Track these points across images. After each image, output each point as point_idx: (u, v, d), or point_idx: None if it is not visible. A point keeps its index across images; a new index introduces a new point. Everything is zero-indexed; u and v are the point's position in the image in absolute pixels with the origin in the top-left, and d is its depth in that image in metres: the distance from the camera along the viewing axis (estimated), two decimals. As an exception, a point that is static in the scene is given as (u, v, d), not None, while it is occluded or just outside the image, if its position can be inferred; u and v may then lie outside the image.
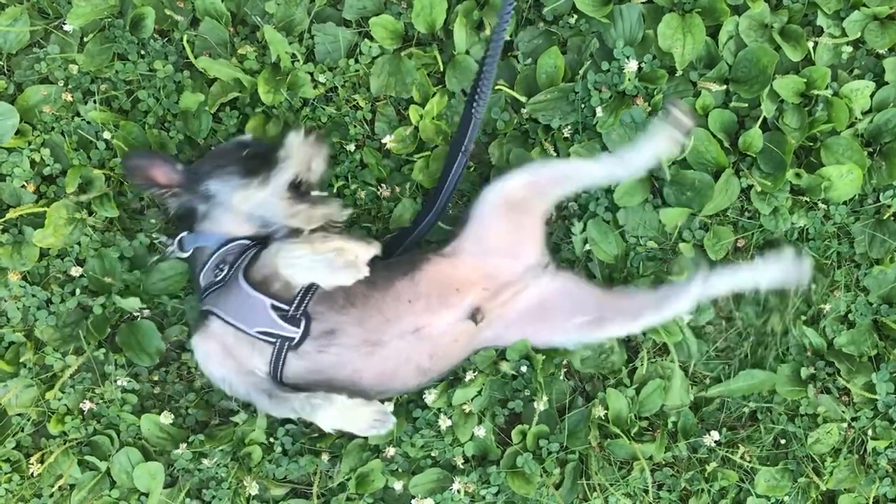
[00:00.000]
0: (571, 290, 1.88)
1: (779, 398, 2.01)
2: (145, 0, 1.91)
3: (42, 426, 1.98)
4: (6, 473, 1.95)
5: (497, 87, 1.93)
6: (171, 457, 1.97)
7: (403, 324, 1.71)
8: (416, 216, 1.95)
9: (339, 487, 1.98)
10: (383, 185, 1.98)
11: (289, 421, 1.99)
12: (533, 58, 1.95)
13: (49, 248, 1.92)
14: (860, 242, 1.98)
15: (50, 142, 1.94)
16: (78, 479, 1.96)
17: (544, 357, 1.90)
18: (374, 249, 1.62)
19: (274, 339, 1.67)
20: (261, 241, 1.78)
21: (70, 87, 1.94)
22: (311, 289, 1.68)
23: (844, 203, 1.95)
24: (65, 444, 1.96)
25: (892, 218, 1.97)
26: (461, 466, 1.97)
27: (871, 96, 1.92)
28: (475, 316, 1.76)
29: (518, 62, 1.96)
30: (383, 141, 1.94)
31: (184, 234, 1.85)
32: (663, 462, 2.01)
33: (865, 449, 2.01)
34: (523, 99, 1.93)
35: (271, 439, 1.97)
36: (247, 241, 1.78)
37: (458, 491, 1.94)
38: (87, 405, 1.94)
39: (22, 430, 1.97)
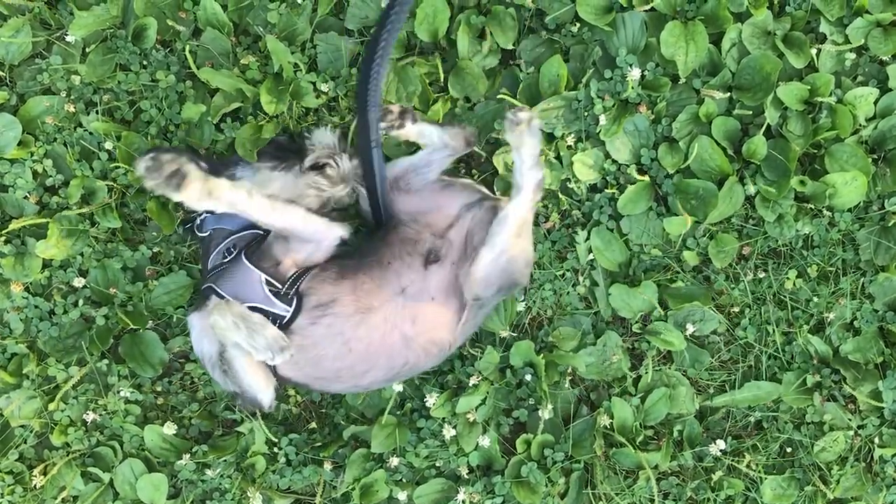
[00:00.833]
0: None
1: (784, 406, 2.00)
2: (147, 10, 1.91)
3: (45, 438, 1.98)
4: (9, 486, 1.94)
5: (500, 96, 1.93)
6: (174, 468, 1.96)
7: (391, 287, 1.73)
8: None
9: (343, 498, 1.97)
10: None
11: (292, 431, 1.99)
12: (536, 66, 1.95)
13: (52, 259, 1.92)
14: (865, 249, 1.98)
15: (52, 153, 1.94)
16: (81, 491, 1.95)
17: (546, 362, 1.90)
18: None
19: (265, 316, 1.66)
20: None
21: (72, 97, 1.94)
22: (306, 271, 1.71)
23: (849, 210, 1.95)
24: (68, 455, 1.95)
25: (897, 224, 1.97)
26: (466, 476, 1.97)
27: (875, 103, 1.92)
28: (428, 258, 1.78)
29: (521, 71, 1.96)
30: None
31: (206, 214, 1.85)
32: (669, 471, 2.00)
33: (872, 457, 2.00)
34: (526, 108, 1.92)
35: (275, 449, 1.96)
36: (260, 231, 1.78)
37: (463, 501, 1.93)
38: (90, 416, 1.93)
39: (25, 442, 1.97)
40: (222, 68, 1.92)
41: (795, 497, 1.98)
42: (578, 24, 1.93)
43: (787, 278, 1.98)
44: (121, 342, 1.96)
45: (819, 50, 1.92)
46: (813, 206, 1.94)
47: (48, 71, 1.93)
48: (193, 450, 1.95)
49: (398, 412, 1.98)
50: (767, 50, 1.91)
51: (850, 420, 1.98)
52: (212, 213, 1.84)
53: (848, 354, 1.98)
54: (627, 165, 1.94)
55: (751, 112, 1.92)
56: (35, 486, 1.92)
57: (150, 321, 1.97)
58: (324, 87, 1.93)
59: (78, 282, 1.92)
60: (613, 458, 1.97)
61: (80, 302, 1.94)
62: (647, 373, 1.96)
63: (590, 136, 1.94)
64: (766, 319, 2.00)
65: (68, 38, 1.90)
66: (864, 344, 1.98)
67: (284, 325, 1.66)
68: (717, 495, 1.98)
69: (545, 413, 1.92)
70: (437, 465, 1.97)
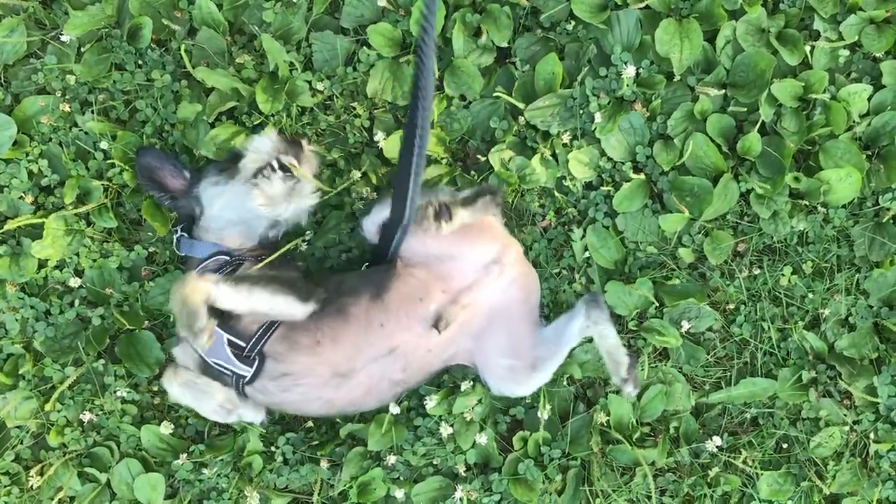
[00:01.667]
0: (512, 317, 1.83)
1: (780, 402, 2.00)
2: (142, 10, 1.91)
3: (41, 438, 1.97)
4: (6, 486, 1.94)
5: (496, 94, 1.93)
6: (171, 467, 1.96)
7: (376, 349, 1.69)
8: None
9: (341, 496, 1.97)
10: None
11: (289, 430, 1.99)
12: (531, 64, 1.95)
13: (47, 260, 1.91)
14: (860, 245, 1.99)
15: (48, 153, 1.93)
16: (78, 492, 1.95)
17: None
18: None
19: (229, 373, 1.69)
20: (241, 258, 1.77)
21: (67, 97, 1.93)
22: (270, 328, 1.67)
23: (844, 206, 1.95)
24: (64, 456, 1.95)
25: (891, 221, 1.97)
26: (463, 474, 1.97)
27: (869, 99, 1.93)
28: (438, 324, 1.72)
29: (516, 69, 1.96)
30: (376, 139, 1.93)
31: (181, 234, 1.85)
32: (665, 467, 2.01)
33: (868, 452, 2.01)
34: (521, 105, 1.93)
35: (272, 448, 1.96)
36: (226, 258, 1.77)
37: (461, 499, 1.93)
38: (86, 416, 1.93)
39: (21, 443, 1.96)
40: (218, 67, 1.92)
41: (792, 493, 1.99)
42: (573, 22, 1.94)
43: (783, 275, 1.99)
44: (117, 342, 1.96)
45: (813, 47, 1.93)
46: (807, 203, 1.95)
47: (43, 71, 1.92)
48: (190, 449, 1.95)
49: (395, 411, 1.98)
50: (762, 47, 1.92)
51: (845, 416, 1.99)
52: (185, 234, 1.84)
53: (843, 350, 1.98)
54: (623, 163, 1.95)
55: (745, 109, 1.93)
56: (32, 486, 1.91)
57: (147, 321, 1.97)
58: (319, 86, 1.93)
59: (74, 282, 1.92)
60: (610, 455, 1.98)
61: (76, 302, 1.94)
62: (643, 370, 1.97)
63: (585, 134, 1.95)
64: (762, 316, 2.01)
65: (63, 38, 1.90)
66: (860, 340, 1.99)
67: (248, 383, 1.69)
68: (713, 491, 1.99)
69: (543, 412, 1.92)
70: (435, 463, 1.97)
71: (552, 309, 2.01)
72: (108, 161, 1.93)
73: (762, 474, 1.98)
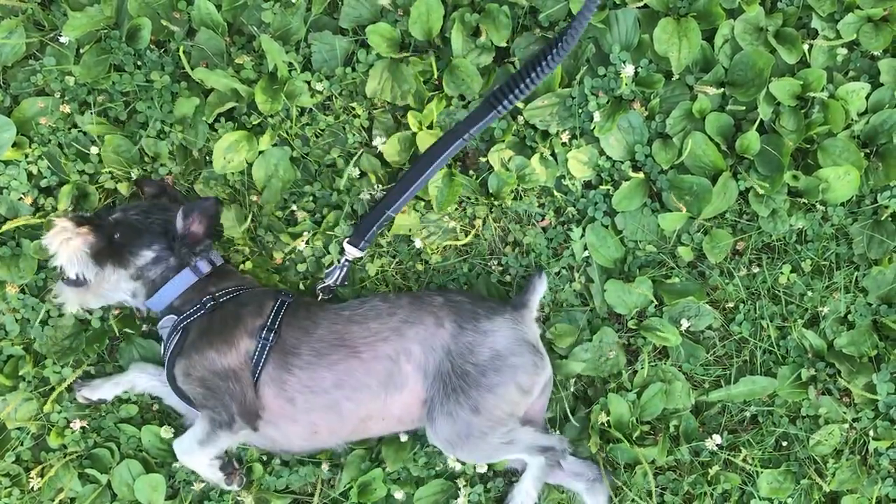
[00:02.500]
0: None
1: (780, 400, 2.01)
2: (141, 11, 1.91)
3: (42, 439, 1.97)
4: (6, 488, 1.94)
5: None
6: (172, 468, 1.96)
7: (351, 422, 1.80)
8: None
9: (341, 497, 1.97)
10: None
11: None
12: (529, 64, 1.95)
13: (47, 261, 1.91)
14: (858, 243, 1.99)
15: (47, 154, 1.93)
16: (79, 493, 1.95)
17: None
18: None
19: None
20: (188, 315, 1.78)
21: (67, 98, 1.93)
22: None
23: (842, 204, 1.96)
24: (65, 457, 1.95)
25: (889, 218, 1.98)
26: (466, 477, 1.97)
27: (867, 98, 1.93)
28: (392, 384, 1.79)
29: (515, 68, 1.96)
30: (374, 143, 1.94)
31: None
32: (666, 466, 2.01)
33: (867, 449, 2.01)
34: (521, 105, 1.93)
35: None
36: (174, 317, 1.79)
37: (463, 502, 1.93)
38: (76, 424, 1.93)
39: (21, 444, 1.96)
40: (217, 68, 1.92)
41: (791, 490, 1.99)
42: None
43: (782, 273, 1.99)
44: (116, 344, 1.96)
45: (811, 45, 1.93)
46: (806, 201, 1.95)
47: (42, 72, 1.92)
48: (191, 450, 1.94)
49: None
50: (760, 46, 1.92)
51: (844, 413, 1.99)
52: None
53: (842, 348, 1.99)
54: (622, 162, 1.95)
55: (744, 108, 1.93)
56: (32, 488, 1.91)
57: (144, 325, 1.97)
58: (318, 87, 1.93)
59: (73, 283, 1.92)
60: (610, 454, 1.98)
61: (76, 303, 1.94)
62: (642, 368, 1.97)
63: (584, 133, 1.95)
64: (761, 314, 2.01)
65: (62, 39, 1.90)
66: (859, 337, 1.99)
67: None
68: (713, 489, 1.99)
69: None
70: (436, 468, 1.98)
71: (552, 308, 2.01)
72: (104, 164, 1.93)
73: (762, 472, 1.98)
